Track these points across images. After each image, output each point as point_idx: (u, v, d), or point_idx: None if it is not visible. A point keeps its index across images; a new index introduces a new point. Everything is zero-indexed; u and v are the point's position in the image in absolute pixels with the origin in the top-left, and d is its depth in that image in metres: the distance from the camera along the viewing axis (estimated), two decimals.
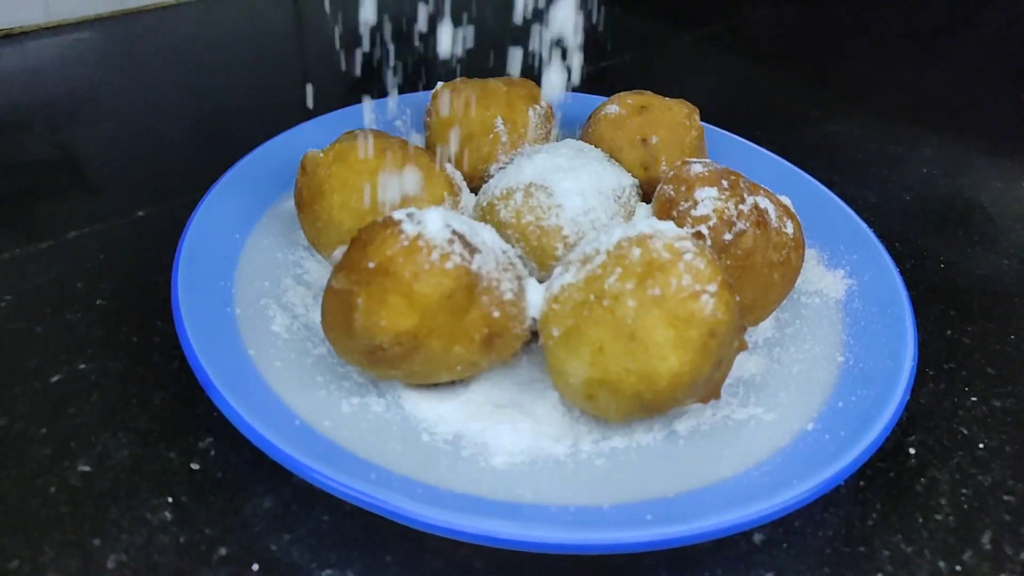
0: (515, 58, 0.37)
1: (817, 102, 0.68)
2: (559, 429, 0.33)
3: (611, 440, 0.33)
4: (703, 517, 0.28)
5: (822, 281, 0.42)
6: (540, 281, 0.35)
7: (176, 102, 0.60)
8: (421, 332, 0.31)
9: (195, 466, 0.33)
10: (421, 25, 0.35)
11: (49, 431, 0.34)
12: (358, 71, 0.38)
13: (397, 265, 0.31)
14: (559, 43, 0.36)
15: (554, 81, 0.37)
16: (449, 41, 0.35)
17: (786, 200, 0.40)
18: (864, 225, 0.44)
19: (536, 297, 0.34)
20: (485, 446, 0.32)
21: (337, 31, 0.42)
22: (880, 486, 0.34)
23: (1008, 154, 0.62)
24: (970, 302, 0.46)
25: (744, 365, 0.37)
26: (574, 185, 0.38)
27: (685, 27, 0.81)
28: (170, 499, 0.31)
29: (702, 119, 0.45)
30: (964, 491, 0.35)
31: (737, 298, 0.32)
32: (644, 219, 0.35)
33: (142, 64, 0.65)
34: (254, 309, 0.37)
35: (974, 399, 0.39)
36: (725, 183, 0.37)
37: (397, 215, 0.33)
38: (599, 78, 0.68)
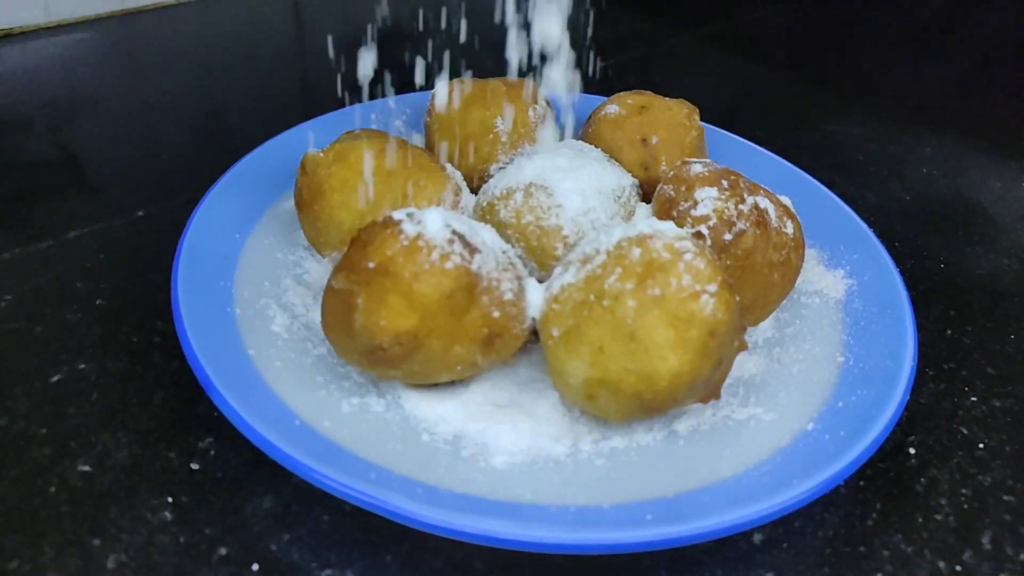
0: (512, 61, 0.37)
1: (817, 102, 0.68)
2: (559, 429, 0.33)
3: (611, 440, 0.33)
4: (703, 517, 0.28)
5: (822, 281, 0.42)
6: (540, 281, 0.35)
7: (176, 102, 0.60)
8: (421, 332, 0.31)
9: (195, 466, 0.33)
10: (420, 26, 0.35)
11: (49, 431, 0.34)
12: (364, 71, 0.38)
13: (397, 265, 0.31)
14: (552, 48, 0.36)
15: (555, 79, 0.37)
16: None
17: (786, 200, 0.40)
18: (864, 225, 0.44)
19: (536, 297, 0.34)
20: (485, 446, 0.32)
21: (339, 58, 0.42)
22: (880, 486, 0.34)
23: (1008, 154, 0.62)
24: (970, 302, 0.46)
25: (744, 365, 0.37)
26: (574, 185, 0.38)
27: (685, 27, 0.81)
28: (170, 499, 0.31)
29: (702, 119, 0.45)
30: (964, 491, 0.35)
31: (737, 298, 0.32)
32: (644, 219, 0.35)
33: (142, 64, 0.65)
34: (254, 309, 0.36)
35: (974, 399, 0.39)
36: (725, 183, 0.37)
37: (397, 215, 0.33)
38: (599, 78, 0.68)
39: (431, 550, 0.30)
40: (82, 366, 0.37)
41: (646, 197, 0.43)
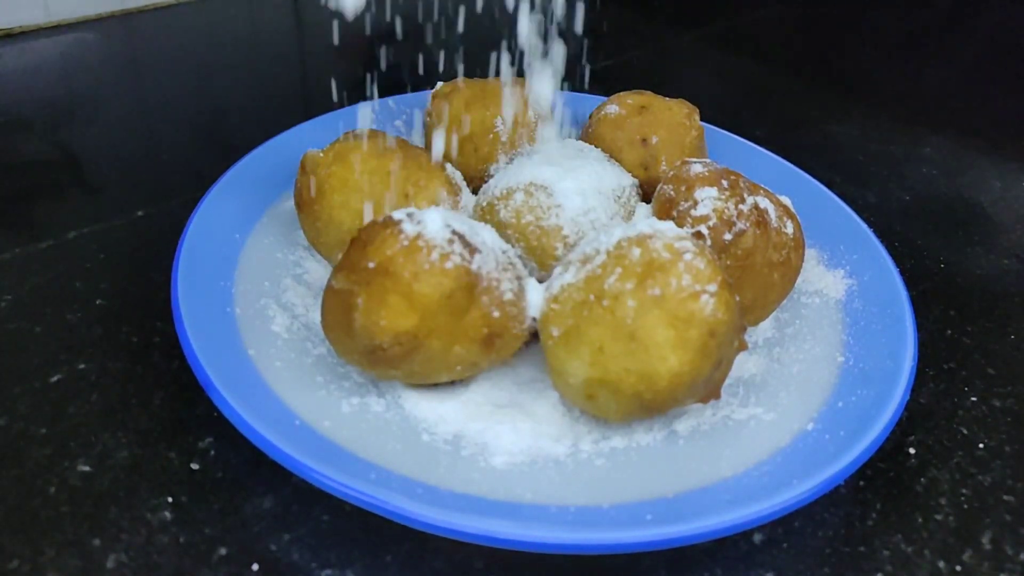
0: (505, 64, 0.38)
1: (817, 102, 0.68)
2: (559, 429, 0.33)
3: (611, 440, 0.33)
4: (703, 517, 0.28)
5: (822, 281, 0.42)
6: (540, 281, 0.35)
7: (176, 102, 0.60)
8: (421, 332, 0.31)
9: (195, 466, 0.33)
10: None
11: (49, 431, 0.34)
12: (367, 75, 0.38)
13: (397, 265, 0.31)
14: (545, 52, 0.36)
15: (541, 91, 0.37)
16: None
17: (786, 200, 0.40)
18: (864, 225, 0.44)
19: (536, 297, 0.34)
20: (485, 446, 0.32)
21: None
22: (880, 486, 0.34)
23: (1008, 154, 0.61)
24: (970, 302, 0.46)
25: (744, 365, 0.37)
26: (574, 185, 0.38)
27: (685, 27, 0.81)
28: (170, 499, 0.31)
29: (702, 119, 0.45)
30: (964, 491, 0.35)
31: (737, 298, 0.32)
32: (644, 219, 0.35)
33: (142, 64, 0.65)
34: (254, 309, 0.36)
35: (974, 399, 0.39)
36: (725, 183, 0.37)
37: (397, 215, 0.33)
38: (599, 78, 0.68)
39: (431, 550, 0.30)
40: (82, 366, 0.37)
41: (646, 197, 0.43)
